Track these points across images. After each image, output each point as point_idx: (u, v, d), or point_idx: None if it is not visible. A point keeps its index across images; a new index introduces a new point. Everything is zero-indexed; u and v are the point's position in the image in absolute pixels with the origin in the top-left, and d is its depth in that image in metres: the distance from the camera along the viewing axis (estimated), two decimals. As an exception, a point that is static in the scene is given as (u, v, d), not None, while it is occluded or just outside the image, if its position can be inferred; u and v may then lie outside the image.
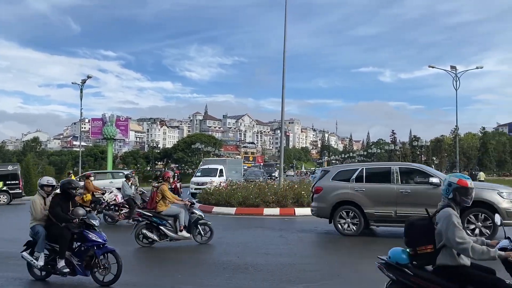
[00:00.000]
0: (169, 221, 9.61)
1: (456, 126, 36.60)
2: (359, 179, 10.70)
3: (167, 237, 9.51)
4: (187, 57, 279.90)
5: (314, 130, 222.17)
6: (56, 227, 6.59)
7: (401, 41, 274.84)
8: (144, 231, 9.47)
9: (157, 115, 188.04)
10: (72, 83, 35.89)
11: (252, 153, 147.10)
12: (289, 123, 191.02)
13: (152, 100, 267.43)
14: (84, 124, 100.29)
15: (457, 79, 33.10)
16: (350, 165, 12.97)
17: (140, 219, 9.60)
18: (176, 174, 29.42)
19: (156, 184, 14.61)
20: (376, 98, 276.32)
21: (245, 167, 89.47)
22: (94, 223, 6.58)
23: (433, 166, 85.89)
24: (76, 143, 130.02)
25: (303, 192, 16.19)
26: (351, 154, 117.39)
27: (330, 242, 10.32)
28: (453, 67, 33.94)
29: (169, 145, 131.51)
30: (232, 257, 8.47)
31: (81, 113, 37.91)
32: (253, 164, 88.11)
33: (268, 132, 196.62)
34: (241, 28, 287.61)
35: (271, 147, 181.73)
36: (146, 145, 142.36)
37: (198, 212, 9.86)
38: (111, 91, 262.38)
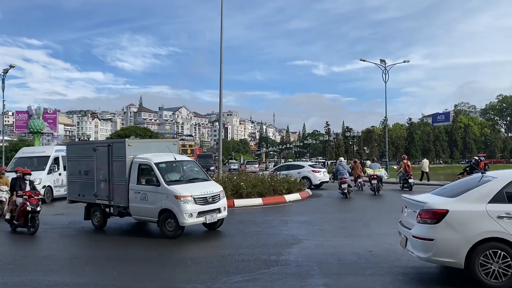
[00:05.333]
0: None
1: (385, 117, 38.47)
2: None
3: None
4: (119, 47, 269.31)
5: (252, 122, 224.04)
6: None
7: (332, 35, 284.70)
8: None
9: (87, 107, 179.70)
10: (-8, 72, 32.76)
11: (190, 145, 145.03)
12: (228, 115, 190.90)
13: (82, 92, 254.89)
14: (8, 117, 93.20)
15: (386, 72, 34.81)
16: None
17: None
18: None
19: None
20: (312, 90, 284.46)
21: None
22: None
23: (364, 155, 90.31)
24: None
25: (242, 184, 16.23)
26: (288, 145, 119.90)
27: (269, 233, 10.43)
28: (382, 61, 35.57)
29: (101, 138, 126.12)
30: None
31: (4, 105, 35.00)
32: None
33: (206, 124, 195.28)
34: (176, 18, 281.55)
35: (209, 140, 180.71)
36: (76, 139, 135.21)
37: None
38: (38, 82, 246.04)
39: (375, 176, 19.65)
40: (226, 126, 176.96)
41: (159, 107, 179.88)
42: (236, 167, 55.75)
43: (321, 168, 25.78)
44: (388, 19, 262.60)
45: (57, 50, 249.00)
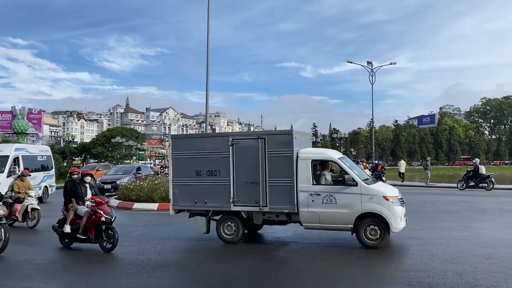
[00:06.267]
0: None
1: (371, 119, 38.77)
2: None
3: None
4: (106, 47, 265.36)
5: (240, 123, 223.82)
6: None
7: (320, 37, 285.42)
8: None
9: (73, 108, 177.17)
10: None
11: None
12: (215, 116, 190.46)
13: (68, 92, 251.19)
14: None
15: (373, 74, 35.03)
16: None
17: None
18: None
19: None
20: (300, 92, 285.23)
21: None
22: None
23: (351, 157, 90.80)
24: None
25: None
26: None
27: (254, 236, 10.30)
28: (369, 63, 35.85)
29: (87, 139, 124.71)
30: (152, 255, 8.13)
31: (-14, 105, 34.40)
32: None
33: (194, 125, 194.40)
34: (164, 19, 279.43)
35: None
36: (62, 140, 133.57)
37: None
38: (23, 82, 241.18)
39: None
40: (214, 127, 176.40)
41: (146, 108, 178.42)
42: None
43: None
44: (375, 22, 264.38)
45: (43, 50, 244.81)
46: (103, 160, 75.77)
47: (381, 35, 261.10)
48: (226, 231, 9.10)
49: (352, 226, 8.21)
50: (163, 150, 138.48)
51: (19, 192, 12.04)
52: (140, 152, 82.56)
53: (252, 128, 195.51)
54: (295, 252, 8.55)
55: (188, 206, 9.51)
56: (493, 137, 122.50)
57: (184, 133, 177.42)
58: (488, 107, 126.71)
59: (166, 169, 37.56)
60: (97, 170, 28.61)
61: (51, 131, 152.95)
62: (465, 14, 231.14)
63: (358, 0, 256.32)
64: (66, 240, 8.94)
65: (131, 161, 75.62)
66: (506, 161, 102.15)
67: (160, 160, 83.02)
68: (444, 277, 6.13)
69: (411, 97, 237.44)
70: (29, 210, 11.81)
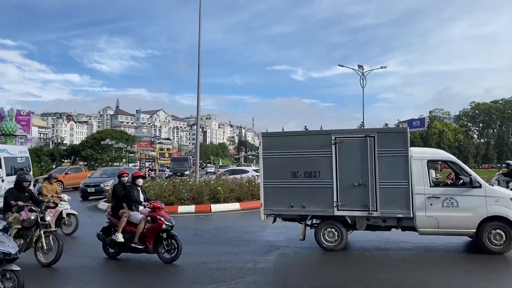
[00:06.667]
0: None
1: (362, 122, 38.87)
2: None
3: None
4: (96, 49, 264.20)
5: (232, 126, 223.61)
6: None
7: (311, 40, 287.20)
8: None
9: (63, 109, 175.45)
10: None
11: (168, 149, 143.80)
12: (206, 118, 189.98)
13: (58, 94, 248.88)
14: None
15: (364, 78, 35.17)
16: None
17: None
18: None
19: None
20: (292, 94, 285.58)
21: (161, 164, 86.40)
22: None
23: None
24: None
25: (219, 188, 15.97)
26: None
27: (246, 239, 10.18)
28: (360, 66, 35.98)
29: (77, 141, 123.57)
30: (141, 259, 7.96)
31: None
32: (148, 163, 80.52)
33: (185, 128, 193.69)
34: (155, 20, 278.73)
35: (188, 143, 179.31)
36: (51, 142, 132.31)
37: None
38: (11, 83, 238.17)
39: None
40: (204, 129, 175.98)
41: (137, 110, 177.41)
42: (212, 170, 56.34)
43: None
44: (366, 26, 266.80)
45: (32, 51, 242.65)
46: (95, 163, 75.24)
47: (372, 39, 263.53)
48: (327, 238, 8.41)
49: (475, 230, 7.73)
50: (153, 153, 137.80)
51: (50, 196, 10.54)
52: (130, 155, 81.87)
53: (243, 131, 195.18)
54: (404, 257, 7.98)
55: (282, 211, 8.78)
56: (482, 140, 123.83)
57: (175, 135, 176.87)
58: (477, 111, 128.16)
59: (153, 172, 37.03)
60: (66, 173, 27.33)
61: (40, 133, 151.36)
62: (454, 18, 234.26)
63: (350, 4, 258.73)
64: (113, 250, 8.11)
65: (121, 163, 75.07)
66: (493, 165, 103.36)
67: (150, 163, 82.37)
68: None
69: (401, 101, 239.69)
70: (64, 215, 10.97)
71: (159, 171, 40.05)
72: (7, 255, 5.10)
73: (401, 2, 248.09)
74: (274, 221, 9.27)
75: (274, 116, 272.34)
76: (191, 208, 15.15)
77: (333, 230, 8.35)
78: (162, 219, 7.59)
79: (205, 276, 6.70)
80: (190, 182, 17.37)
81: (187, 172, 33.27)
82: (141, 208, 8.02)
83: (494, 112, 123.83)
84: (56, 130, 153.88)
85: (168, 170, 40.87)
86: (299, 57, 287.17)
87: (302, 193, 8.48)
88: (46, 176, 12.59)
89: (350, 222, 8.36)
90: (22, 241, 7.31)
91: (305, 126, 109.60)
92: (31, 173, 20.05)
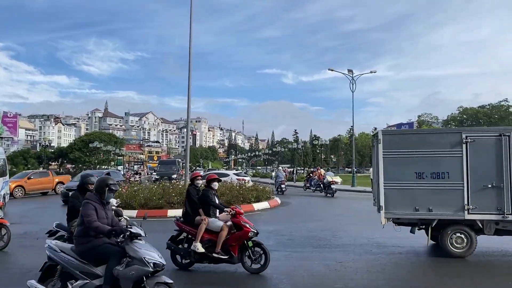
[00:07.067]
0: None
1: (352, 126, 38.96)
2: None
3: None
4: (85, 50, 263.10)
5: (221, 129, 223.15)
6: None
7: (301, 44, 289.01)
8: None
9: (50, 112, 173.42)
10: None
11: (157, 152, 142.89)
12: (196, 121, 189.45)
13: (45, 95, 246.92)
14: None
15: (354, 82, 35.26)
16: None
17: None
18: None
19: None
20: (282, 98, 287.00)
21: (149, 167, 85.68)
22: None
23: (331, 163, 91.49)
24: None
25: (209, 192, 15.79)
26: (257, 153, 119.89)
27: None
28: (350, 71, 36.01)
29: (64, 144, 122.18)
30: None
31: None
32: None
33: (174, 130, 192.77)
34: (145, 23, 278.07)
35: (177, 146, 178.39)
36: (38, 144, 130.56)
37: None
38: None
39: (333, 182, 23.43)
40: (194, 132, 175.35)
41: (125, 113, 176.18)
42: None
43: (245, 176, 28.40)
44: (356, 31, 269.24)
45: (20, 52, 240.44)
46: (83, 166, 74.38)
47: (362, 44, 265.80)
48: (456, 244, 7.88)
49: None
50: (142, 156, 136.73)
51: None
52: (118, 158, 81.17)
53: (233, 134, 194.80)
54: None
55: (406, 214, 8.17)
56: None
57: (164, 138, 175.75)
58: (464, 116, 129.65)
59: (138, 176, 36.43)
60: (28, 178, 26.45)
61: (27, 135, 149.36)
62: (443, 24, 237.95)
63: (339, 9, 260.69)
64: (185, 261, 7.35)
65: (109, 166, 74.32)
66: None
67: (138, 166, 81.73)
68: None
69: (390, 105, 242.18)
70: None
71: (148, 174, 39.54)
72: (158, 266, 4.64)
73: (390, 8, 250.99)
74: (396, 225, 8.68)
75: (264, 120, 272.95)
76: (181, 212, 14.92)
77: (462, 235, 7.89)
78: (247, 225, 6.94)
79: (196, 281, 6.56)
80: (180, 186, 17.19)
81: (174, 176, 32.76)
82: (223, 214, 7.35)
83: (481, 117, 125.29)
84: (44, 132, 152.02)
85: (155, 173, 40.28)
86: (289, 60, 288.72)
87: (429, 196, 7.96)
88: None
89: (480, 227, 7.88)
90: None
91: (295, 130, 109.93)
92: (8, 176, 19.29)
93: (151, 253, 4.68)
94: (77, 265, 4.69)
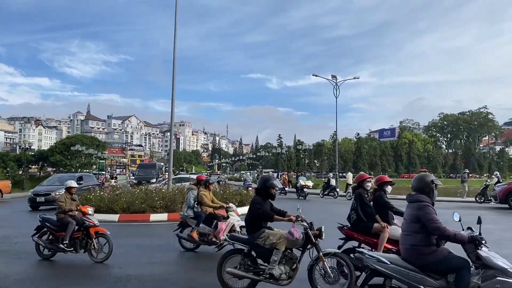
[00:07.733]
0: None
1: (335, 131, 39.35)
2: None
3: None
4: (67, 52, 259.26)
5: (205, 133, 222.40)
6: None
7: (286, 50, 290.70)
8: None
9: (31, 114, 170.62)
10: None
11: (140, 156, 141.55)
12: (180, 125, 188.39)
13: (26, 97, 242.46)
14: None
15: (337, 87, 35.64)
16: None
17: None
18: None
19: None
20: (266, 103, 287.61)
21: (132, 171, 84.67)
22: None
23: (314, 168, 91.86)
24: None
25: (192, 196, 15.69)
26: (241, 157, 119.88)
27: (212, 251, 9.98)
28: (334, 77, 36.44)
29: (45, 146, 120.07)
30: (113, 269, 7.68)
31: None
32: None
33: (157, 134, 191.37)
34: (128, 25, 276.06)
35: (160, 150, 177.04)
36: (18, 147, 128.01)
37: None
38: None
39: (305, 186, 25.79)
40: (178, 136, 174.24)
41: (108, 116, 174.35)
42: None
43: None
44: (339, 37, 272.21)
45: (0, 53, 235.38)
46: (62, 169, 73.14)
47: (345, 50, 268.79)
48: None
49: None
50: (124, 159, 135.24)
51: (213, 206, 9.57)
52: (100, 161, 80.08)
53: (217, 139, 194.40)
54: None
55: None
56: (450, 151, 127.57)
57: (148, 142, 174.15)
58: (445, 122, 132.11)
59: (113, 180, 35.60)
60: None
61: (6, 138, 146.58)
62: (424, 32, 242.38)
63: (324, 15, 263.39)
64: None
65: (91, 170, 73.30)
66: (460, 174, 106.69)
67: (121, 170, 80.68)
68: None
69: (373, 111, 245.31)
70: (237, 228, 8.96)
71: (129, 178, 38.78)
72: None
73: (373, 15, 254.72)
74: None
75: (249, 124, 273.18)
76: (164, 216, 14.81)
77: None
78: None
79: (181, 286, 6.49)
80: (163, 190, 17.05)
81: (154, 180, 31.30)
82: (397, 222, 6.59)
83: (461, 123, 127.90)
84: (24, 135, 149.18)
85: (133, 177, 38.99)
86: (273, 65, 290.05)
87: None
88: (206, 179, 10.58)
89: None
90: None
91: (279, 135, 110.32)
92: None
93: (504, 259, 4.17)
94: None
